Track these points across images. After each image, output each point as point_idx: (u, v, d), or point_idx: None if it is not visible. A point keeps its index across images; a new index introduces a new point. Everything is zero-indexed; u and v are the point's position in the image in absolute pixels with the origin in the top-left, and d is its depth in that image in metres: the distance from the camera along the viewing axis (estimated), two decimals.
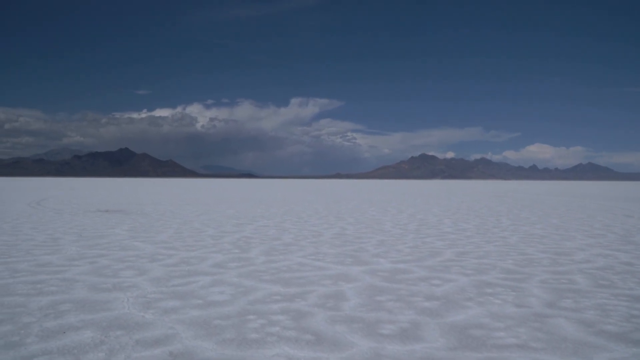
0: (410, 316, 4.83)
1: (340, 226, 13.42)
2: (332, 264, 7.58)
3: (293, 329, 4.41)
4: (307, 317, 4.76)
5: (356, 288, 6.00)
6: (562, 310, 5.09)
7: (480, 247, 9.48)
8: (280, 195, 35.88)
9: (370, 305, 5.23)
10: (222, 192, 42.33)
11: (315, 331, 4.35)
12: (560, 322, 4.69)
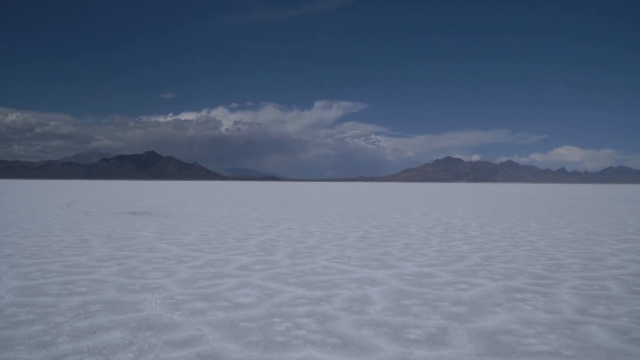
0: (437, 321, 4.77)
1: (364, 229, 13.37)
2: (357, 268, 7.54)
3: (319, 332, 4.40)
4: (332, 321, 4.74)
5: (382, 292, 5.96)
6: (594, 317, 4.96)
7: (508, 252, 9.32)
8: (303, 198, 35.97)
9: (396, 309, 5.19)
10: (246, 195, 42.66)
11: (341, 335, 4.33)
12: (593, 329, 4.57)
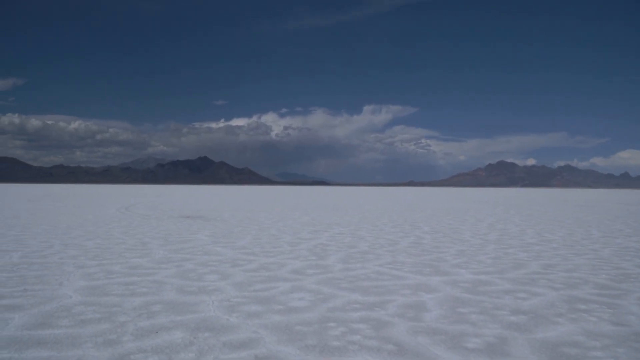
0: (496, 330, 4.64)
1: (416, 235, 13.19)
2: (411, 274, 7.45)
3: (374, 338, 4.38)
4: (387, 327, 4.70)
5: (437, 299, 5.86)
6: None
7: (569, 260, 8.95)
8: (353, 203, 35.90)
9: (453, 317, 5.09)
10: (296, 199, 43.02)
11: (397, 341, 4.29)
12: None
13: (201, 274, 7.30)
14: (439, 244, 11.15)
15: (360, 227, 15.51)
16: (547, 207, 32.54)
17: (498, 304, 5.63)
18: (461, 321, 4.92)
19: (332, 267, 8.00)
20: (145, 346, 4.11)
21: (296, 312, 5.19)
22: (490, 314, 5.21)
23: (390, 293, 6.13)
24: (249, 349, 4.07)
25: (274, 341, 4.26)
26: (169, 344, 4.16)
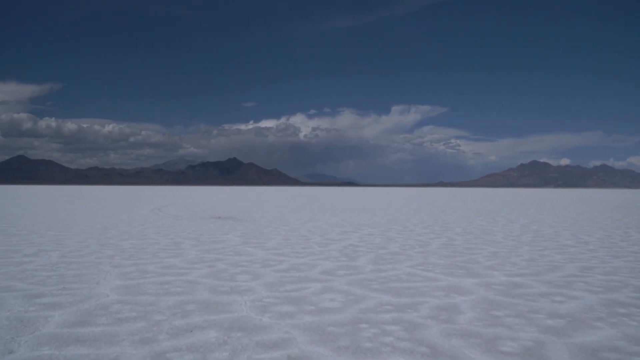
0: (533, 334, 4.54)
1: (447, 236, 13.03)
2: (443, 275, 7.36)
3: (407, 340, 4.34)
4: (420, 329, 4.66)
5: (470, 301, 5.77)
6: None
7: (607, 263, 8.69)
8: (382, 204, 35.70)
9: (487, 319, 5.00)
10: (324, 200, 43.04)
11: (430, 344, 4.24)
12: None
13: (233, 274, 7.38)
14: (471, 246, 10.99)
15: (390, 228, 15.42)
16: (582, 207, 31.69)
17: (534, 307, 5.51)
18: (496, 324, 4.84)
19: (362, 268, 7.97)
20: (180, 345, 4.18)
21: (328, 313, 5.19)
22: (526, 317, 5.11)
23: (422, 295, 6.08)
24: (281, 349, 4.09)
25: (306, 342, 4.27)
26: (204, 343, 4.22)
